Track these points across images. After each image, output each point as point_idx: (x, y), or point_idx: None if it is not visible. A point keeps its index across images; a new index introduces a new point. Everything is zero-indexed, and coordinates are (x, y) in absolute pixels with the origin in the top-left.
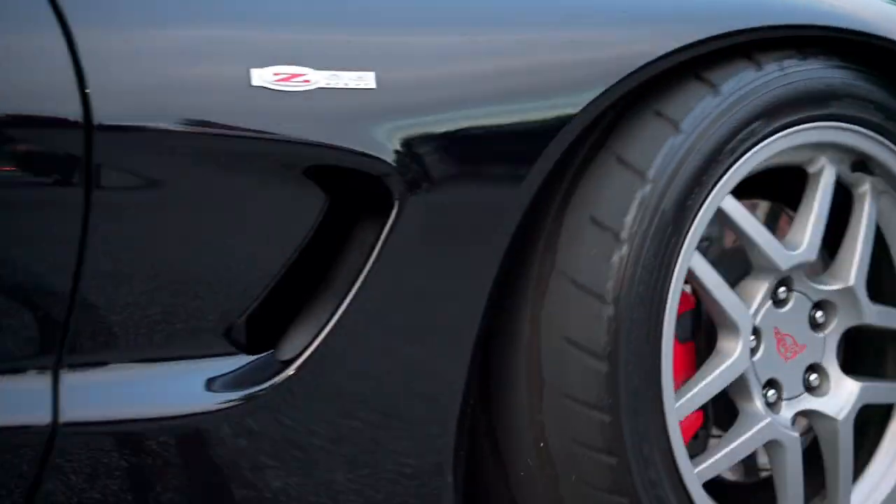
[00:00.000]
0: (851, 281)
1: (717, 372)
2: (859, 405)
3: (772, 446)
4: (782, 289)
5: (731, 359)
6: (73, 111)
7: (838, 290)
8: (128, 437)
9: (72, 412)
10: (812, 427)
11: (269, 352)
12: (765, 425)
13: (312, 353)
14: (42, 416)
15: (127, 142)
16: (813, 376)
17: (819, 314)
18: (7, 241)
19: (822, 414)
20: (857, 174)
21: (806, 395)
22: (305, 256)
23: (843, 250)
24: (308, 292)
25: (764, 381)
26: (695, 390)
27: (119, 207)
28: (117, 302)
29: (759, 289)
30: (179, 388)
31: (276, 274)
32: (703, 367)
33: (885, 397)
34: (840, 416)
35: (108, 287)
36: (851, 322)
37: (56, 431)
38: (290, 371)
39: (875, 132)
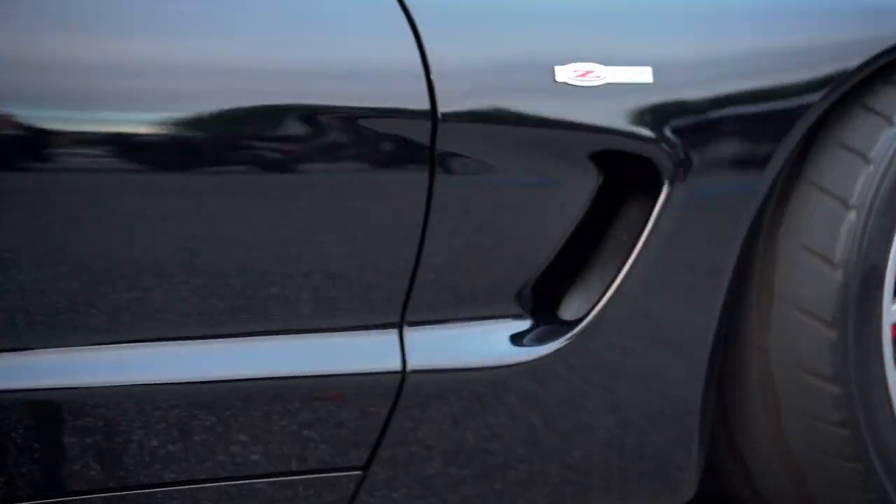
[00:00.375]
0: None
1: None
2: None
3: None
4: None
5: None
6: (421, 105)
7: None
8: (453, 383)
9: (415, 361)
10: None
11: (553, 315)
12: None
13: (593, 318)
14: (394, 364)
15: (461, 132)
16: None
17: None
18: (365, 225)
19: None
20: None
21: None
22: (580, 230)
23: None
24: (582, 262)
25: None
26: None
27: (454, 189)
28: (445, 272)
29: None
30: (490, 343)
31: (558, 244)
32: None
33: None
34: None
35: (441, 260)
36: None
37: (405, 377)
38: (575, 332)
39: None
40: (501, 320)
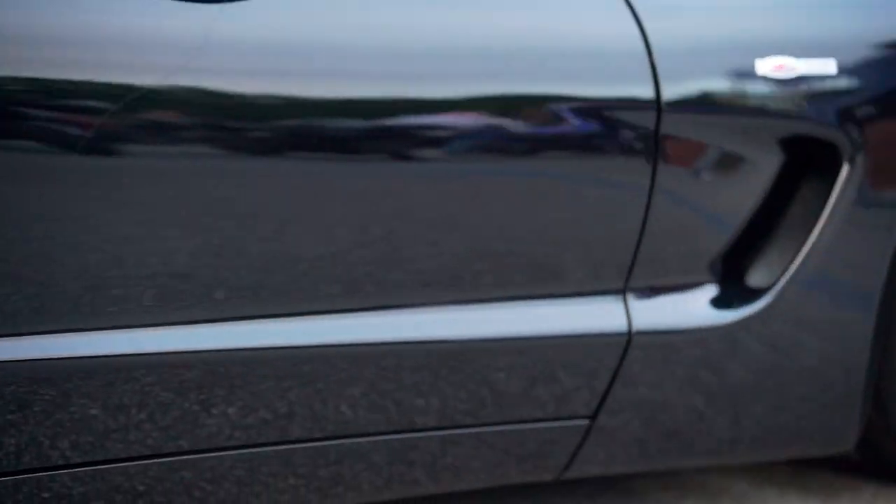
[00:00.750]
0: None
1: None
2: None
3: None
4: None
5: None
6: (649, 96)
7: None
8: (667, 343)
9: (637, 323)
10: None
11: (742, 283)
12: None
13: (781, 285)
14: (621, 326)
15: (679, 121)
16: None
17: None
18: (598, 206)
19: None
20: None
21: None
22: (761, 206)
23: None
24: (766, 235)
25: None
26: None
27: (673, 171)
28: (661, 245)
29: None
30: (695, 308)
31: (745, 219)
32: None
33: None
34: None
35: (658, 235)
36: None
37: (630, 338)
38: (765, 298)
39: None
40: (703, 287)
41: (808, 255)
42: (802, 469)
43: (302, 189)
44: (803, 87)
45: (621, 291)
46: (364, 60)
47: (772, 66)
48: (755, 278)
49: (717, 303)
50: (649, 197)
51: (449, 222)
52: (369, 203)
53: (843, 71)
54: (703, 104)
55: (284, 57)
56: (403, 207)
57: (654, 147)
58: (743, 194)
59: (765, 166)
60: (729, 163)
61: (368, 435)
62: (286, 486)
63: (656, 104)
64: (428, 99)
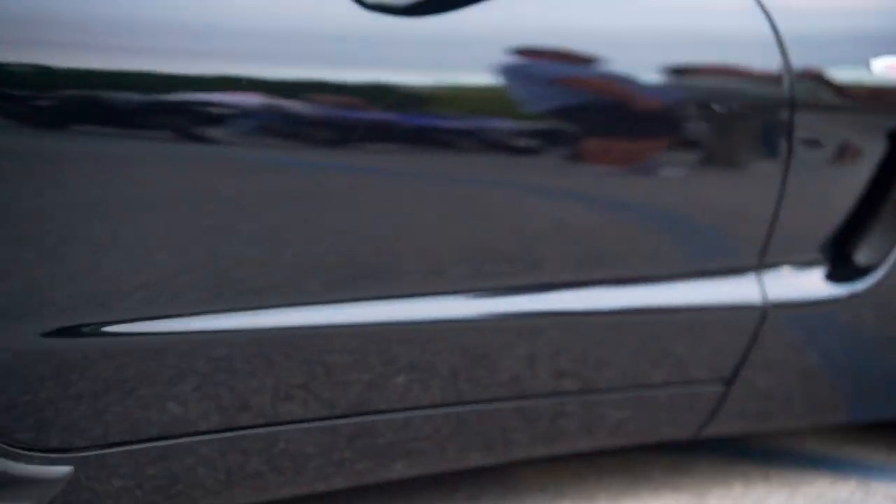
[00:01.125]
0: None
1: None
2: None
3: None
4: None
5: None
6: (783, 95)
7: None
8: (795, 315)
9: (771, 296)
10: None
11: (850, 261)
12: None
13: (889, 264)
14: (755, 299)
15: (807, 114)
16: None
17: None
18: (738, 191)
19: None
20: None
21: None
22: (867, 191)
23: None
24: (872, 217)
25: None
26: None
27: (803, 159)
28: (788, 226)
29: None
30: (813, 283)
31: (854, 202)
32: None
33: None
34: None
35: (787, 217)
36: None
37: (766, 310)
38: (874, 275)
39: None
40: (821, 264)
41: None
42: (678, 466)
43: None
44: None
45: (757, 269)
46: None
47: (884, 66)
48: (862, 257)
49: (833, 279)
50: (783, 183)
51: (627, 212)
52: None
53: None
54: (828, 98)
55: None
56: (581, 201)
57: (788, 138)
58: (854, 180)
59: (872, 156)
60: (845, 151)
61: (539, 397)
62: (462, 439)
63: (791, 99)
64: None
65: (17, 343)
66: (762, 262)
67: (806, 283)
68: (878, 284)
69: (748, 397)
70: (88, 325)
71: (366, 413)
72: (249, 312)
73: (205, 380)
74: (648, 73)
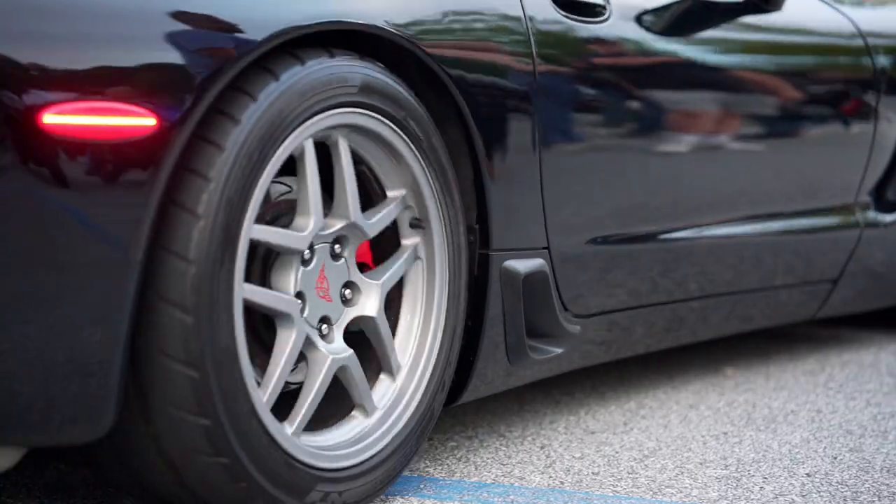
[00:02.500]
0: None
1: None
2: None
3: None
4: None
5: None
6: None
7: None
8: (875, 233)
9: (863, 222)
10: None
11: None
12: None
13: None
14: (856, 223)
15: (884, 80)
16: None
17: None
18: (846, 151)
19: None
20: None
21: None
22: None
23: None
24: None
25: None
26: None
27: (884, 117)
28: (870, 173)
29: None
30: (884, 214)
31: (890, 158)
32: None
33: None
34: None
35: (871, 165)
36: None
37: (861, 231)
38: None
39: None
40: (879, 202)
41: None
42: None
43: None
44: None
45: (854, 203)
46: None
47: None
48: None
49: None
50: (873, 138)
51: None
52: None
53: None
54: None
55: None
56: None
57: (875, 104)
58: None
59: None
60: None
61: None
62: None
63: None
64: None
65: (575, 248)
66: (857, 200)
67: (880, 214)
68: None
69: (846, 291)
70: (604, 236)
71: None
72: (676, 230)
73: (657, 271)
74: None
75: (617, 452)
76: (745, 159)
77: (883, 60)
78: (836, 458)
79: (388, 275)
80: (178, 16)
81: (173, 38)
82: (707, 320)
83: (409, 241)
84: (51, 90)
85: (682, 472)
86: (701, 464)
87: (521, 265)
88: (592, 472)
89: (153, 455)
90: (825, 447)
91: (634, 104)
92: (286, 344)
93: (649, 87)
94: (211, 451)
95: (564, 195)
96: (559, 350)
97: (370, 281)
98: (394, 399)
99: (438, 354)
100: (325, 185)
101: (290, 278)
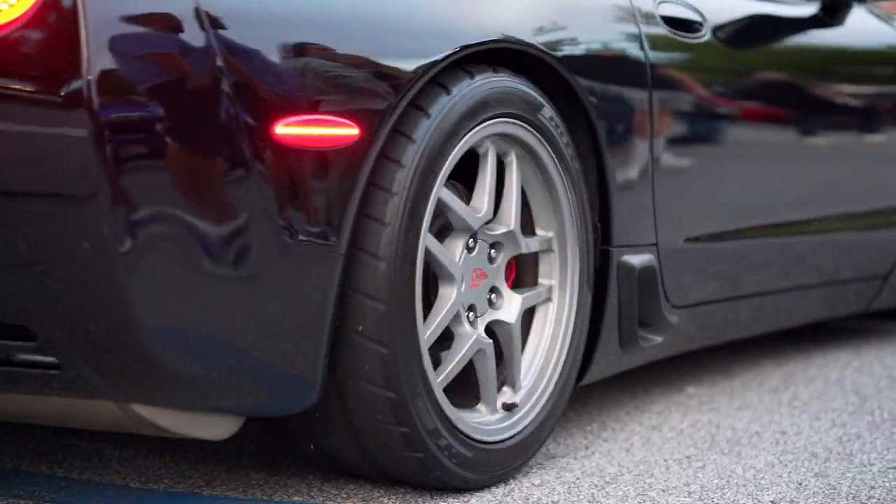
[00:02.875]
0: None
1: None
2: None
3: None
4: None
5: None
6: None
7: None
8: None
9: None
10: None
11: None
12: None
13: None
14: None
15: None
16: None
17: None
18: None
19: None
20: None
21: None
22: None
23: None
24: None
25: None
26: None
27: None
28: None
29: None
30: None
31: None
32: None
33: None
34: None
35: None
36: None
37: None
38: None
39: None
40: None
41: None
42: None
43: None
44: None
45: None
46: None
47: None
48: None
49: None
50: None
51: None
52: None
53: None
54: None
55: None
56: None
57: None
58: None
59: None
60: None
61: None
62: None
63: None
64: None
65: (675, 244)
66: None
67: None
68: None
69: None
70: (698, 236)
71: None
72: (764, 228)
73: (743, 266)
74: None
75: (578, 479)
76: (821, 163)
77: None
78: (801, 484)
79: (529, 294)
80: (373, 34)
81: (369, 54)
82: (787, 310)
83: (546, 281)
84: (281, 105)
85: (645, 500)
86: (664, 490)
87: (636, 260)
88: (552, 501)
89: (340, 426)
90: (790, 472)
91: (728, 113)
92: (447, 302)
93: (740, 97)
94: (394, 421)
95: (670, 196)
96: (660, 339)
97: (514, 293)
98: (528, 363)
99: (568, 352)
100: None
101: (458, 253)
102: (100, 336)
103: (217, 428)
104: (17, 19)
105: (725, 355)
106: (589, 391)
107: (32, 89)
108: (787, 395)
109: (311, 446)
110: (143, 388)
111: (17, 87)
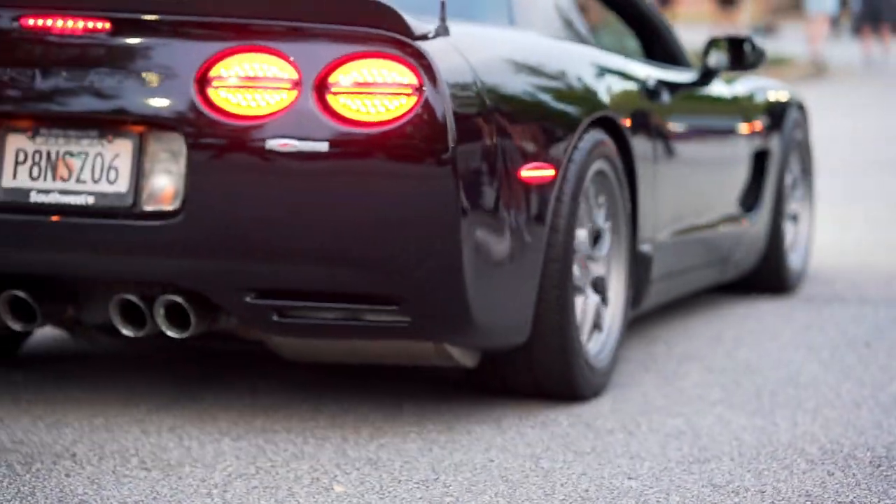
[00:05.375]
0: None
1: None
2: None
3: None
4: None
5: None
6: None
7: None
8: None
9: None
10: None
11: None
12: None
13: None
14: None
15: None
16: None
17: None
18: None
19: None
20: None
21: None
22: None
23: None
24: None
25: None
26: None
27: None
28: None
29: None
30: None
31: None
32: None
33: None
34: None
35: None
36: None
37: None
38: None
39: None
40: None
41: None
42: None
43: None
44: None
45: None
46: None
47: None
48: None
49: None
50: None
51: None
52: None
53: None
54: None
55: None
56: None
57: None
58: None
59: None
60: None
61: None
62: None
63: None
64: None
65: (663, 239)
66: None
67: None
68: None
69: None
70: (678, 230)
71: None
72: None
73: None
74: None
75: None
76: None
77: None
78: None
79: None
80: (555, 111)
81: (556, 125)
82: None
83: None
84: (523, 158)
85: None
86: None
87: (646, 248)
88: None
89: (520, 359)
90: None
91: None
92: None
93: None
94: (561, 353)
95: (664, 200)
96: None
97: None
98: (609, 314)
99: (626, 297)
100: None
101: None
102: (440, 302)
103: (473, 360)
104: (405, 114)
105: (372, 439)
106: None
107: (418, 153)
108: (437, 489)
109: (491, 376)
110: (458, 334)
111: (408, 152)
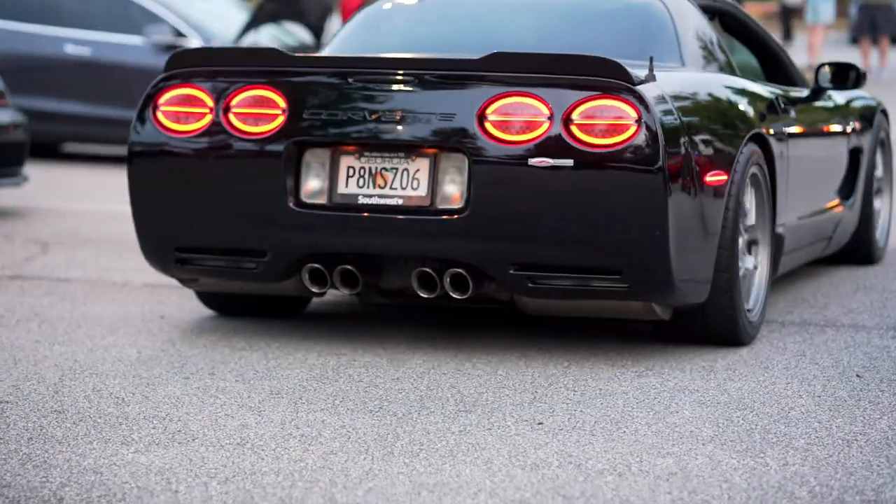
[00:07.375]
0: None
1: None
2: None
3: None
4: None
5: None
6: None
7: None
8: None
9: None
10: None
11: None
12: None
13: None
14: None
15: None
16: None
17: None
18: None
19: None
20: None
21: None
22: None
23: None
24: None
25: None
26: None
27: None
28: None
29: None
30: None
31: None
32: None
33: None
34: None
35: None
36: None
37: None
38: None
39: None
40: None
41: None
42: None
43: None
44: None
45: None
46: None
47: None
48: None
49: None
50: None
51: None
52: None
53: None
54: None
55: None
56: None
57: None
58: None
59: None
60: None
61: None
62: None
63: None
64: None
65: (791, 223)
66: None
67: None
68: None
69: None
70: (797, 216)
71: None
72: None
73: None
74: None
75: None
76: None
77: None
78: None
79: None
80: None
81: (724, 141)
82: None
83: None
84: (705, 167)
85: None
86: None
87: (780, 230)
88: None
89: (699, 314)
90: None
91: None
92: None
93: None
94: (729, 308)
95: (792, 193)
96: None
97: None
98: (758, 281)
99: (769, 266)
100: None
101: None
102: (651, 272)
103: (668, 315)
104: (629, 138)
105: (361, 482)
106: None
107: (638, 166)
108: None
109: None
110: (663, 295)
111: (630, 165)
